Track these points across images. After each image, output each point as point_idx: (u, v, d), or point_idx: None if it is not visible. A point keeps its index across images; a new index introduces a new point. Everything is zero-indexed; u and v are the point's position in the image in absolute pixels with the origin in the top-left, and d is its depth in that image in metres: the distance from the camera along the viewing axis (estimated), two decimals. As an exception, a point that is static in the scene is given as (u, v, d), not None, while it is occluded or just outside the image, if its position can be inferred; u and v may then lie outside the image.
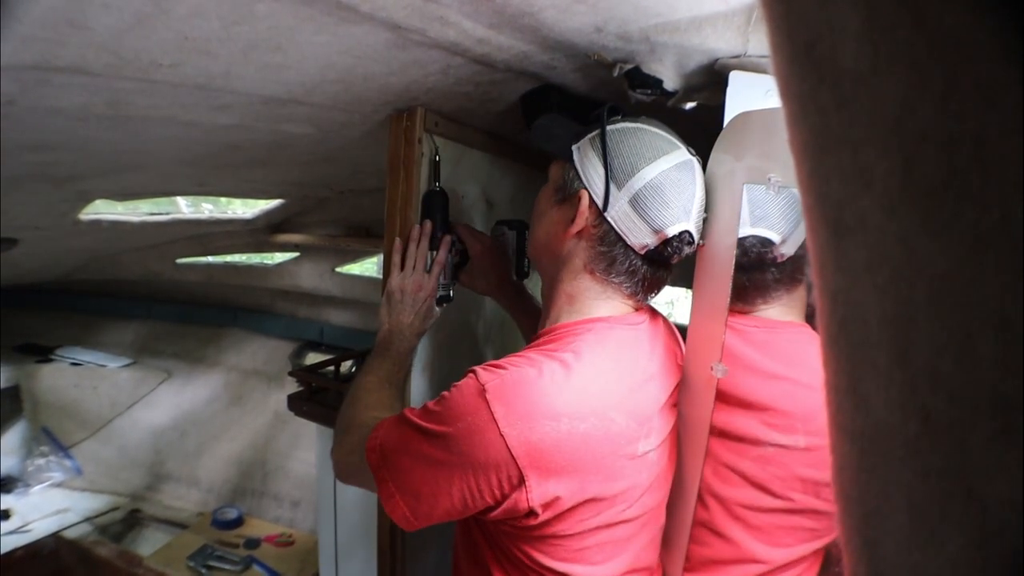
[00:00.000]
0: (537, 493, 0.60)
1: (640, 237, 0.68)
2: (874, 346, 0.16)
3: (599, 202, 0.68)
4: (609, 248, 0.69)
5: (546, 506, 0.61)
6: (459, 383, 0.63)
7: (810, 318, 0.83)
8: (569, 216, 0.71)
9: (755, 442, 0.76)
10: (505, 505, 0.60)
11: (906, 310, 0.15)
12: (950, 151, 0.13)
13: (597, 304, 0.72)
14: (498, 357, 0.66)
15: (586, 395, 0.63)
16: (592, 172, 0.69)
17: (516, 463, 0.58)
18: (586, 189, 0.69)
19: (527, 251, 0.83)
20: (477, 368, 0.64)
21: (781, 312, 0.81)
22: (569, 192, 0.72)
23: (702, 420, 0.75)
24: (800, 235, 0.78)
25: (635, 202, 0.67)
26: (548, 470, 0.60)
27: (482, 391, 0.60)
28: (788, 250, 0.78)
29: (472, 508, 0.62)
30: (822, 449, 0.72)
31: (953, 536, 0.14)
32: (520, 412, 0.59)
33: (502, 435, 0.58)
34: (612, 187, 0.68)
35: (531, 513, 0.61)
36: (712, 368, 0.73)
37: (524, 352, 0.68)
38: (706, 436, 0.75)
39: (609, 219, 0.68)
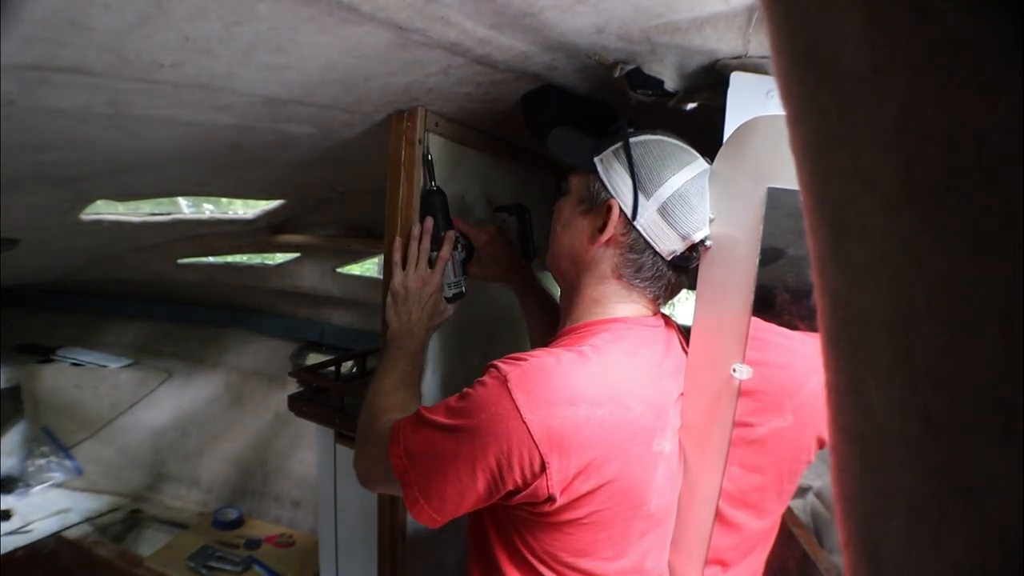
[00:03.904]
0: (557, 479, 0.61)
1: (668, 244, 0.71)
2: (875, 347, 0.16)
3: (628, 212, 0.71)
4: (638, 255, 0.72)
5: (564, 490, 0.62)
6: (481, 378, 0.65)
7: (809, 319, 0.82)
8: (597, 225, 0.74)
9: (748, 427, 0.77)
10: (527, 491, 0.62)
11: (907, 311, 0.15)
12: (951, 152, 0.13)
13: (621, 306, 0.74)
14: (509, 352, 0.67)
15: (603, 382, 0.65)
16: (619, 183, 0.72)
17: (538, 449, 0.60)
18: (614, 199, 0.72)
19: (549, 259, 0.84)
20: (497, 362, 0.65)
21: None
22: (596, 202, 0.74)
23: (722, 423, 0.73)
24: None
25: (664, 211, 0.70)
26: (568, 453, 0.61)
27: (504, 381, 0.61)
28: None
29: (497, 494, 0.64)
30: (804, 419, 0.75)
31: (953, 537, 0.14)
32: (540, 398, 0.61)
33: (524, 421, 0.59)
34: (640, 197, 0.70)
35: (549, 499, 0.62)
36: (734, 370, 0.72)
37: (545, 348, 0.70)
38: (727, 441, 0.73)
39: (638, 227, 0.71)
